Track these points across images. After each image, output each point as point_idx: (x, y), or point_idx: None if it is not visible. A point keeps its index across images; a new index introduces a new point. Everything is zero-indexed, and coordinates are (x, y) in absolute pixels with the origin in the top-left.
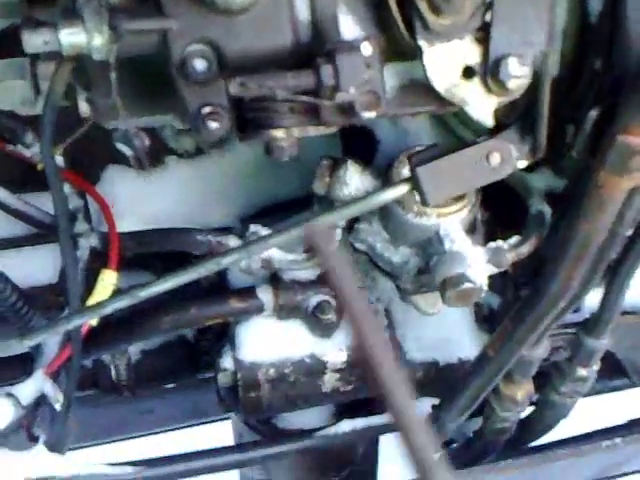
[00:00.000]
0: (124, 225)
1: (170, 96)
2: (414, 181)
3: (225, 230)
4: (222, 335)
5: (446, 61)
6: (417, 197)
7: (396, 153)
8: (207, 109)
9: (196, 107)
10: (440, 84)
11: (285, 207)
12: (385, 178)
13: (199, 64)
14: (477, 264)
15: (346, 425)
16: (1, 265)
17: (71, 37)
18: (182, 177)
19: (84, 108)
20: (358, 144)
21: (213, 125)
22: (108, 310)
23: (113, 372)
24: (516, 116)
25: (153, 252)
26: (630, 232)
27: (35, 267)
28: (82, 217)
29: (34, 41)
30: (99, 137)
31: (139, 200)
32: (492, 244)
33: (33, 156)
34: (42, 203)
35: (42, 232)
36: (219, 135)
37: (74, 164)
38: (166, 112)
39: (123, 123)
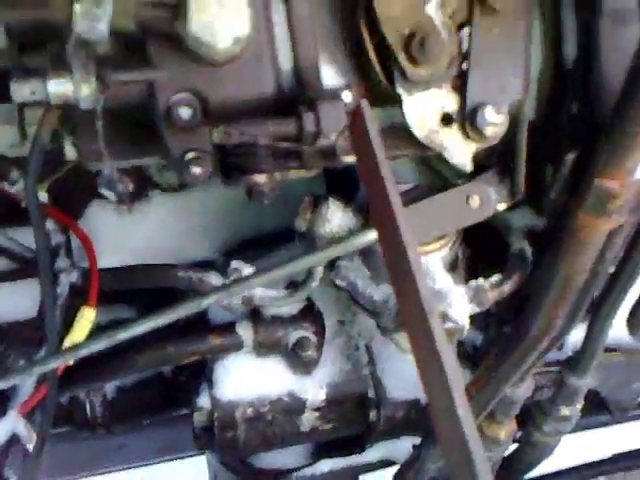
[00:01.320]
0: (106, 260)
1: (154, 140)
2: None
3: (207, 265)
4: (199, 371)
5: (425, 108)
6: None
7: None
8: (191, 154)
9: (180, 153)
10: (419, 130)
11: (267, 240)
12: (366, 215)
13: (184, 112)
14: (459, 303)
15: (325, 465)
16: None
17: (58, 87)
18: (165, 211)
19: (70, 152)
20: (340, 179)
21: (196, 170)
22: (85, 352)
23: (88, 409)
24: (494, 158)
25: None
26: (612, 269)
27: (14, 302)
28: (64, 253)
29: (22, 91)
30: (82, 173)
31: (122, 235)
32: (473, 282)
33: (17, 192)
34: (24, 238)
35: (22, 267)
36: (202, 179)
37: (57, 200)
38: (150, 155)
39: (108, 165)
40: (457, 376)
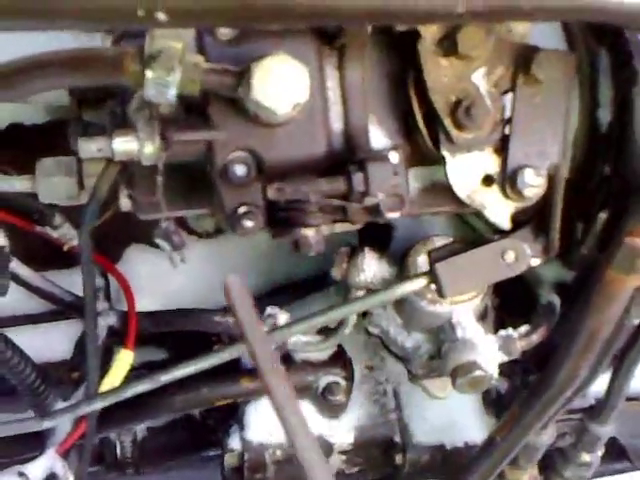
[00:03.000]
0: (143, 303)
1: (207, 192)
2: (433, 275)
3: None
4: (229, 413)
5: (467, 170)
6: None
7: (411, 239)
8: (243, 209)
9: (233, 207)
10: (461, 190)
11: (298, 285)
12: (401, 266)
13: (239, 169)
14: (488, 352)
15: None
16: (18, 341)
17: (124, 145)
18: (200, 256)
19: (125, 203)
20: (374, 229)
21: (248, 224)
22: (128, 394)
23: (118, 448)
24: (529, 215)
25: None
26: (636, 321)
27: (50, 343)
28: (103, 296)
29: (89, 148)
30: (121, 218)
31: (158, 279)
32: (503, 332)
33: (60, 237)
34: (61, 280)
35: (60, 309)
36: (253, 232)
37: (97, 243)
38: (202, 206)
39: (160, 216)
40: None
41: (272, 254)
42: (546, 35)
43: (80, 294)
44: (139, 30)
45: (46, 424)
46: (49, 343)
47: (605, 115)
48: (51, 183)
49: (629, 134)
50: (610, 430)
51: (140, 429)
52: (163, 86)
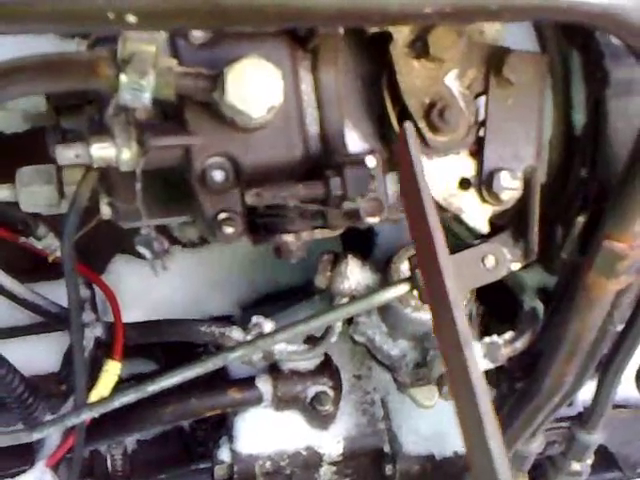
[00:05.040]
0: (129, 314)
1: (186, 199)
2: (414, 281)
3: (226, 319)
4: (218, 425)
5: (444, 173)
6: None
7: (393, 245)
8: (223, 215)
9: (213, 213)
10: (438, 194)
11: (283, 294)
12: (384, 273)
13: (218, 175)
14: None
15: None
16: (4, 353)
17: (101, 151)
18: (185, 265)
19: (106, 210)
20: (357, 235)
21: (228, 230)
22: (116, 404)
23: (109, 461)
24: (508, 218)
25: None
26: (621, 327)
27: (37, 355)
28: (89, 307)
29: (67, 154)
30: (106, 229)
31: (144, 289)
32: (487, 339)
33: (44, 248)
34: (47, 292)
35: (47, 321)
36: (233, 239)
37: (82, 254)
38: (182, 213)
39: (141, 224)
40: (487, 405)
41: (257, 263)
42: (519, 37)
43: (66, 305)
44: (114, 34)
45: (35, 436)
46: (37, 355)
47: (579, 117)
48: (31, 192)
49: (603, 136)
50: (599, 438)
51: (130, 442)
52: (138, 90)
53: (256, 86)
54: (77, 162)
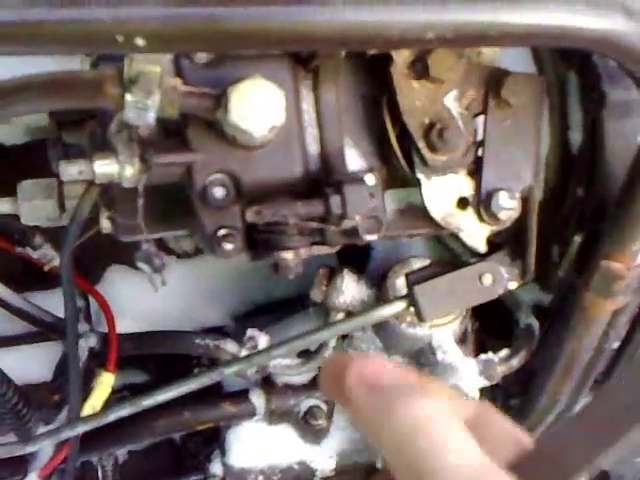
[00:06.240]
0: (123, 325)
1: (186, 214)
2: (411, 299)
3: (220, 330)
4: (210, 438)
5: (442, 192)
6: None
7: (388, 259)
8: (223, 231)
9: (213, 229)
10: (437, 212)
11: (277, 306)
12: (379, 288)
13: (218, 192)
14: (469, 376)
15: None
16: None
17: (104, 167)
18: (179, 276)
19: (106, 224)
20: (352, 249)
21: (228, 246)
22: (111, 418)
23: (100, 473)
24: (505, 236)
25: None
26: (616, 345)
27: (30, 365)
28: (83, 318)
29: (70, 171)
30: (101, 239)
31: (138, 300)
32: (483, 356)
33: (40, 257)
34: (41, 301)
35: (40, 330)
36: (233, 255)
37: (77, 264)
38: (181, 227)
39: (145, 240)
40: None
41: (251, 274)
42: (515, 58)
43: (60, 315)
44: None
45: (29, 448)
46: (28, 364)
47: (576, 137)
48: (32, 206)
49: (600, 156)
50: None
51: (121, 453)
52: (143, 109)
53: (259, 106)
54: (80, 178)
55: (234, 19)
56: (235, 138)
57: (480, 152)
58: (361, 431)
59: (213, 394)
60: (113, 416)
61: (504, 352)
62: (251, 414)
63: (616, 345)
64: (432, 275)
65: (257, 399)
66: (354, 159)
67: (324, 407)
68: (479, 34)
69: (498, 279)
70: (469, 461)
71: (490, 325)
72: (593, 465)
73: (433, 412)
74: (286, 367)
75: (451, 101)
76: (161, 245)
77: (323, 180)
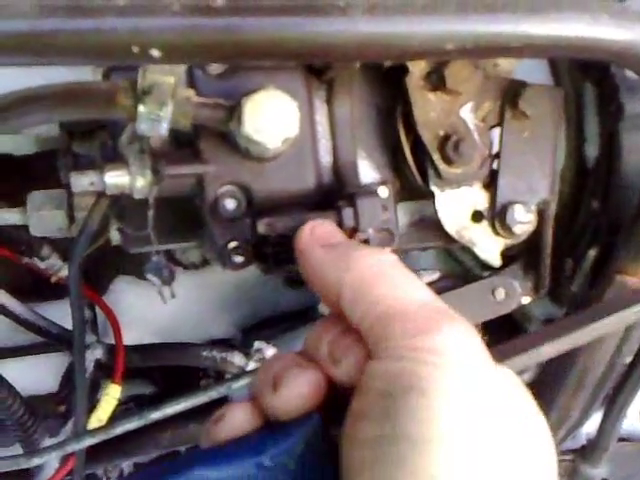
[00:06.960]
0: (130, 336)
1: (196, 226)
2: None
3: (227, 341)
4: None
5: (456, 205)
6: None
7: None
8: (233, 244)
9: (223, 242)
10: (450, 226)
11: (283, 318)
12: None
13: (229, 204)
14: None
15: None
16: (3, 373)
17: (115, 179)
18: (186, 287)
19: (115, 236)
20: None
21: (238, 259)
22: (118, 431)
23: None
24: (518, 250)
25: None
26: (629, 360)
27: (36, 376)
28: (89, 329)
29: (81, 182)
30: (108, 249)
31: (145, 311)
32: None
33: (47, 268)
34: (48, 312)
35: (47, 341)
36: (243, 267)
37: (84, 275)
38: (190, 239)
39: (155, 252)
40: None
41: (259, 286)
42: (531, 69)
43: (67, 326)
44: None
45: (35, 461)
46: (34, 376)
47: (592, 150)
48: (42, 217)
49: (616, 169)
50: (602, 472)
51: (127, 465)
52: (155, 121)
53: (273, 118)
54: (91, 189)
55: (251, 30)
56: (248, 150)
57: (495, 165)
58: (317, 289)
59: (219, 407)
60: (120, 429)
61: None
62: None
63: (629, 360)
64: (444, 289)
65: None
66: (367, 171)
67: None
68: (500, 45)
69: (511, 293)
70: (427, 302)
71: (500, 339)
72: None
73: (389, 261)
74: None
75: (467, 113)
76: (168, 256)
77: (336, 192)
